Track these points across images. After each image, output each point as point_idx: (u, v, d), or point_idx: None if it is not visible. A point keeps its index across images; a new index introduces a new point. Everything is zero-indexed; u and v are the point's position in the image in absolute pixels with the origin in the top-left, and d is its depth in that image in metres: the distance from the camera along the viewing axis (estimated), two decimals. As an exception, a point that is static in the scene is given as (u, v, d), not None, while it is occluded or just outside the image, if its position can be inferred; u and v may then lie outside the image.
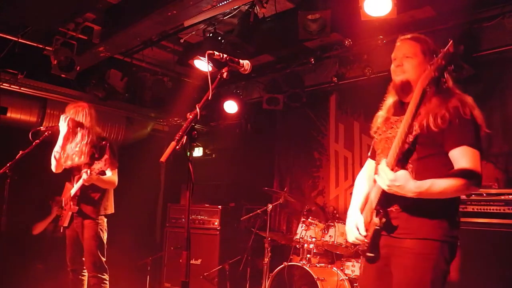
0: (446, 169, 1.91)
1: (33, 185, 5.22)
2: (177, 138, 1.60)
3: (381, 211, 1.97)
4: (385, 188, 1.84)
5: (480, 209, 3.86)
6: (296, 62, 5.57)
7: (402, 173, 1.81)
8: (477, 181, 1.83)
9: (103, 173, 3.51)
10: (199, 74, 5.73)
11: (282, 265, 4.25)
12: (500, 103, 4.60)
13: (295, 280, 4.39)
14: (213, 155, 7.37)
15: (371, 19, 3.86)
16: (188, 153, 1.69)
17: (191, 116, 1.67)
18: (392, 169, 1.86)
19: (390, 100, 2.19)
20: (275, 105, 5.87)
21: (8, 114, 5.35)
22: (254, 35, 4.39)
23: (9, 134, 5.17)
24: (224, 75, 1.78)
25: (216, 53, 1.79)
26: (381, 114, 2.22)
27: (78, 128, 3.78)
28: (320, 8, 4.13)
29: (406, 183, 1.80)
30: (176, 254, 5.79)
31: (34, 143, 3.70)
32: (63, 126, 3.74)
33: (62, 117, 3.78)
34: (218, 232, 5.62)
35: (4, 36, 4.62)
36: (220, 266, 5.31)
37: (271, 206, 4.74)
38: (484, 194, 3.87)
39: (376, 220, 1.99)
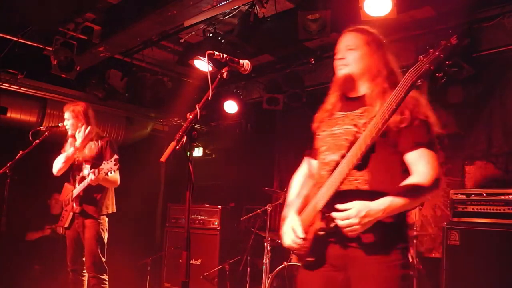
0: (401, 170, 1.83)
1: (33, 185, 5.22)
2: (177, 138, 1.60)
3: (327, 214, 1.79)
4: (359, 228, 1.68)
5: (480, 209, 3.86)
6: (296, 62, 5.57)
7: (355, 203, 1.69)
8: (435, 185, 1.75)
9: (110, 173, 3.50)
10: (199, 74, 5.73)
11: (282, 265, 4.25)
12: (500, 103, 4.60)
13: (295, 280, 4.39)
14: (213, 155, 7.37)
15: (371, 19, 3.85)
16: (188, 153, 1.69)
17: (191, 116, 1.67)
18: (349, 172, 1.73)
19: (334, 95, 2.05)
20: (275, 105, 5.88)
21: (8, 114, 5.36)
22: (254, 35, 4.39)
23: (9, 134, 5.18)
24: (224, 75, 1.78)
25: (216, 53, 1.79)
26: (324, 109, 2.08)
27: (78, 128, 3.81)
28: (320, 8, 4.13)
29: (368, 207, 1.68)
30: (176, 254, 5.79)
31: (34, 143, 3.71)
32: (81, 134, 3.75)
33: (80, 128, 3.80)
34: (218, 232, 5.62)
35: (4, 36, 4.62)
36: (220, 266, 5.31)
37: (271, 206, 4.75)
38: (484, 194, 3.87)
39: (320, 224, 1.83)
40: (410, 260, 4.22)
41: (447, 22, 4.35)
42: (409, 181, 1.77)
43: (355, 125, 1.88)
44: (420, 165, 1.77)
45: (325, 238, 1.86)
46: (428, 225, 4.92)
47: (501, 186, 4.27)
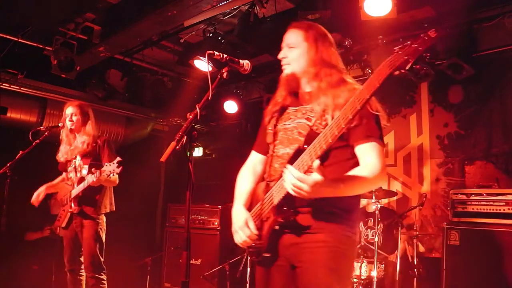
0: (351, 163, 1.85)
1: (33, 185, 5.22)
2: (177, 138, 1.60)
3: (285, 208, 1.80)
4: (308, 189, 1.60)
5: (480, 209, 3.86)
6: (296, 62, 5.56)
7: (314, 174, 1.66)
8: (382, 177, 1.83)
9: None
10: (199, 74, 5.73)
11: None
12: (500, 103, 4.60)
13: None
14: (213, 155, 7.37)
15: (371, 19, 3.86)
16: (188, 153, 1.69)
17: (191, 116, 1.67)
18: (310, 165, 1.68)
19: (282, 93, 2.06)
20: (275, 105, 5.87)
21: (8, 114, 5.35)
22: (254, 35, 4.39)
23: (9, 134, 5.17)
24: (224, 75, 1.78)
25: (216, 53, 1.79)
26: (275, 104, 2.08)
27: (82, 128, 3.79)
28: (320, 8, 4.13)
29: (326, 179, 1.63)
30: (176, 254, 5.78)
31: (34, 143, 3.70)
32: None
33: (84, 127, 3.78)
34: (218, 232, 5.61)
35: (4, 36, 4.62)
36: (220, 266, 5.30)
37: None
38: (484, 194, 3.87)
39: (277, 218, 1.84)
40: (410, 260, 4.24)
41: (447, 22, 4.35)
42: (359, 171, 1.79)
43: (308, 119, 1.89)
44: (370, 157, 1.80)
45: (281, 231, 1.88)
46: (428, 225, 4.92)
47: (501, 186, 4.27)
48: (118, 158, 3.42)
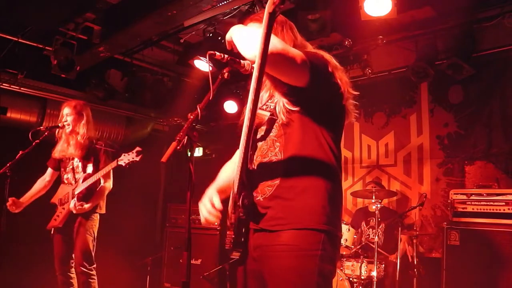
0: (316, 126, 1.69)
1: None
2: (178, 138, 1.60)
3: (243, 193, 1.64)
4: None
5: (480, 209, 3.87)
6: (296, 62, 5.55)
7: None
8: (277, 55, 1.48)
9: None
10: (199, 74, 5.73)
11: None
12: (500, 103, 4.61)
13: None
14: (213, 155, 7.37)
15: (371, 19, 3.86)
16: (189, 153, 1.68)
17: (192, 117, 1.66)
18: None
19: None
20: (275, 105, 5.86)
21: (8, 114, 5.35)
22: (254, 35, 4.39)
23: (9, 134, 5.17)
24: (225, 75, 1.77)
25: (217, 53, 1.78)
26: None
27: (78, 125, 3.79)
28: (320, 8, 4.13)
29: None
30: (176, 254, 5.79)
31: (34, 143, 3.70)
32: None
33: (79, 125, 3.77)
34: (218, 232, 5.62)
35: (4, 36, 4.62)
36: (220, 266, 5.31)
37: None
38: (484, 194, 3.88)
39: (239, 206, 1.67)
40: (410, 260, 4.24)
41: (447, 22, 4.36)
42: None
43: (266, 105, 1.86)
44: None
45: (245, 222, 1.72)
46: (428, 225, 4.93)
47: (501, 186, 4.28)
48: (138, 148, 3.46)
